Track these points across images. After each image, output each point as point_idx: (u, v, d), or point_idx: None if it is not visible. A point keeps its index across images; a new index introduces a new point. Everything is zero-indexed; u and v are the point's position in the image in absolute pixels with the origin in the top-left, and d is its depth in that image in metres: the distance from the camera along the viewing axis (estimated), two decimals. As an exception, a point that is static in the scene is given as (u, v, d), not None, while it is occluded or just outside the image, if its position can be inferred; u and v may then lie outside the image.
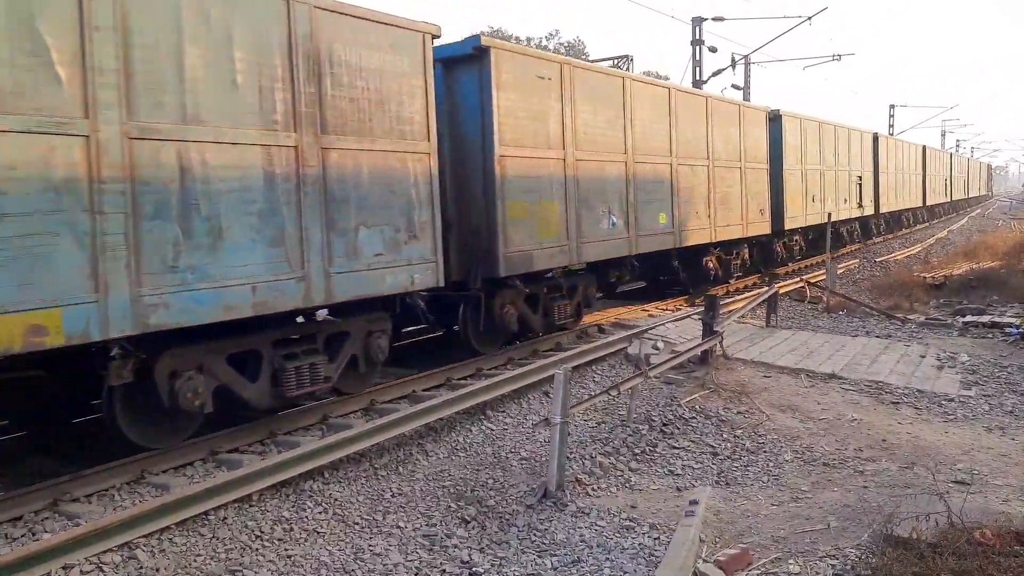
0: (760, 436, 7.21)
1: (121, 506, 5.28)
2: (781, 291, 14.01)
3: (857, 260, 22.10)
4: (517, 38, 47.69)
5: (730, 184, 15.08)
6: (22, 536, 4.85)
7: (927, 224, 37.28)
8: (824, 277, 16.13)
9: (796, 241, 20.00)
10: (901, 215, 32.34)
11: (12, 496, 5.14)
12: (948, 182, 34.16)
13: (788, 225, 18.13)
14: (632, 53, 28.40)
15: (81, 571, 4.36)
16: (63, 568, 4.33)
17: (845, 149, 22.92)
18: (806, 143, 19.44)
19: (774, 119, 17.73)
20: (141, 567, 4.52)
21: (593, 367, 9.33)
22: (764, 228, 16.78)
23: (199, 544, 4.85)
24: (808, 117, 19.93)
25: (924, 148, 36.22)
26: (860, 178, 24.38)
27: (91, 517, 4.99)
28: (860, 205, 24.36)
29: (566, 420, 6.01)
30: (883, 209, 27.35)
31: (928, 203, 37.25)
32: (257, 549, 4.90)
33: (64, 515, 5.11)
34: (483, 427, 7.33)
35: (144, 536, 4.73)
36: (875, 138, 26.63)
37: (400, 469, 6.29)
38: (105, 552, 4.52)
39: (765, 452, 6.90)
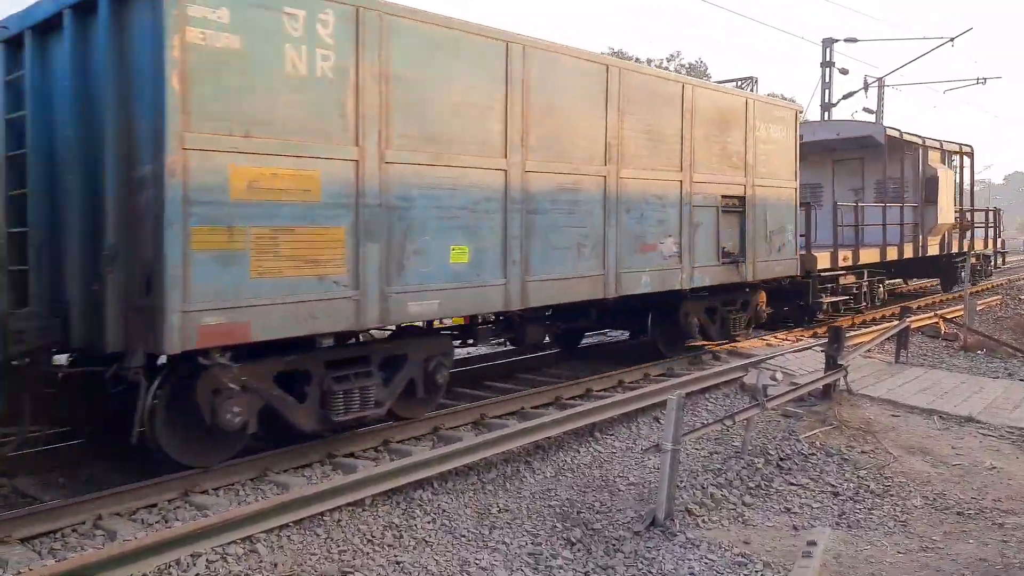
0: (886, 478, 6.79)
1: (245, 501, 5.56)
2: (912, 326, 13.20)
3: (999, 297, 20.53)
4: (638, 59, 47.52)
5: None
6: (156, 522, 5.19)
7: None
8: (961, 313, 15.08)
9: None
10: None
11: (150, 484, 5.52)
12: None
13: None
14: (757, 75, 27.73)
15: (207, 560, 4.61)
16: (191, 556, 4.59)
17: None
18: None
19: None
20: (261, 560, 4.74)
21: (706, 395, 9.07)
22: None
23: (314, 543, 5.04)
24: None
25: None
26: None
27: (218, 509, 5.28)
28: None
29: (678, 447, 5.87)
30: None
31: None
32: (368, 553, 5.03)
33: (194, 506, 5.43)
34: (591, 449, 7.26)
35: (265, 531, 4.95)
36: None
37: (507, 485, 6.31)
38: (229, 543, 4.76)
39: (892, 496, 6.49)
